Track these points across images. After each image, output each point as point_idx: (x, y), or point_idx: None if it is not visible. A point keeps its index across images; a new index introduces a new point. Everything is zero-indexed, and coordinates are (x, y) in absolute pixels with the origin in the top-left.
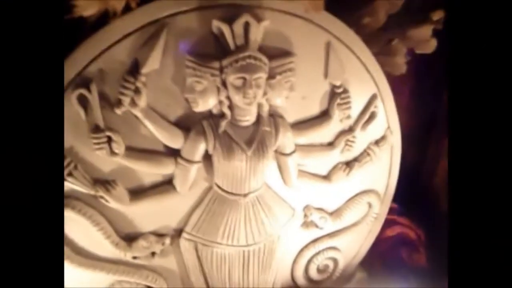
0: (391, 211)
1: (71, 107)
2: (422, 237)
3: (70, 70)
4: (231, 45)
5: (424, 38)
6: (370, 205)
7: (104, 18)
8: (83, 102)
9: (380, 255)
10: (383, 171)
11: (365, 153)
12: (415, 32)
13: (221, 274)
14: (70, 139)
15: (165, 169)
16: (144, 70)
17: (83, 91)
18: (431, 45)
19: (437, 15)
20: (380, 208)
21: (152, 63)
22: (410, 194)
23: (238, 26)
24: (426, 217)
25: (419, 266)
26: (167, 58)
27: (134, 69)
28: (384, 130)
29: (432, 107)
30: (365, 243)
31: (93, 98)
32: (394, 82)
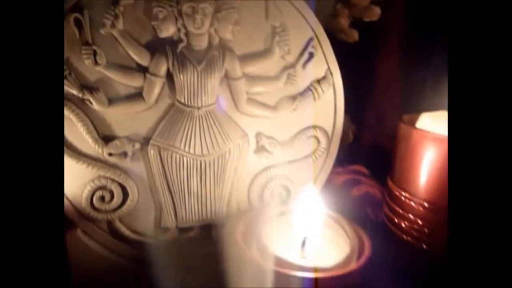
0: (359, 173)
1: (69, 28)
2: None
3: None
4: None
5: (365, 5)
6: (318, 141)
7: None
8: (78, 24)
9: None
10: (328, 110)
11: (308, 89)
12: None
13: (181, 180)
14: (67, 52)
15: (136, 81)
16: (122, 2)
17: (78, 15)
18: (375, 13)
19: None
20: (328, 145)
21: None
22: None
23: None
24: None
25: (383, 222)
26: None
27: (115, 1)
28: (325, 71)
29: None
30: (318, 180)
31: (85, 21)
32: None
